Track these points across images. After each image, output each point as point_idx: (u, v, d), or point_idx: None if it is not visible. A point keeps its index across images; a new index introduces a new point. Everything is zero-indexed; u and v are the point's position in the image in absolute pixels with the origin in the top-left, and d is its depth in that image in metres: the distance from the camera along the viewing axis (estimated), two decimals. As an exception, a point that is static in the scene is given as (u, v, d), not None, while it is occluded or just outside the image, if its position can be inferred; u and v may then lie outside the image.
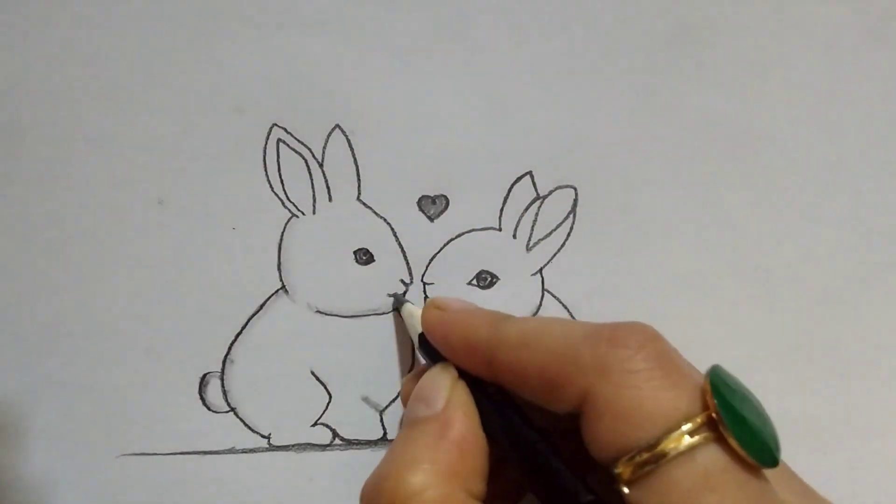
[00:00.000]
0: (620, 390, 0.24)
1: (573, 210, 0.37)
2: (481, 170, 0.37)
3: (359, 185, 0.37)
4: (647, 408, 0.24)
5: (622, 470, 0.23)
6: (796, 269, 0.38)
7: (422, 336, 0.32)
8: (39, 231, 0.36)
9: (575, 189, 0.37)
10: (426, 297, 0.37)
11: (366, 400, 0.37)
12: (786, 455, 0.38)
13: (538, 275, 0.37)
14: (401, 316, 0.36)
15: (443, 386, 0.29)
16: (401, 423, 0.30)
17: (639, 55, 0.37)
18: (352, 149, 0.37)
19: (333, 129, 0.36)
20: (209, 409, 0.37)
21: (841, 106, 0.38)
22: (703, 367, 0.37)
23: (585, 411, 0.25)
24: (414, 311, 0.34)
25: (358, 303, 0.37)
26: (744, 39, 0.37)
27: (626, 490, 0.23)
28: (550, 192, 0.37)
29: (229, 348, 0.37)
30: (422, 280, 0.37)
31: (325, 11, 0.36)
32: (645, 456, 0.23)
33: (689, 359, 0.37)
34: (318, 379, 0.37)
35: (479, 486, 0.27)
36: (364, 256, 0.37)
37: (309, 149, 0.36)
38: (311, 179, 0.36)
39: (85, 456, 0.37)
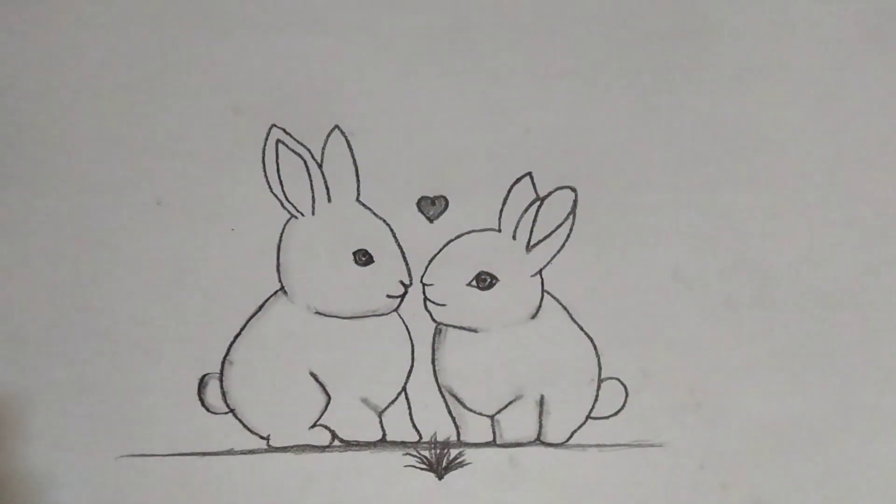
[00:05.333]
0: None
1: (573, 211, 0.37)
2: (481, 171, 0.37)
3: (358, 186, 0.37)
4: None
5: None
6: (796, 269, 0.38)
7: None
8: (39, 231, 0.36)
9: (574, 190, 0.37)
10: (426, 298, 0.37)
11: (365, 401, 0.37)
12: (786, 455, 0.38)
13: (538, 276, 0.37)
14: None
15: None
16: None
17: (639, 56, 0.37)
18: (351, 150, 0.37)
19: (333, 130, 0.36)
20: (208, 410, 0.37)
21: (841, 106, 0.38)
22: (701, 367, 0.37)
23: None
24: None
25: (357, 304, 0.37)
26: (744, 40, 0.37)
27: None
28: (550, 193, 0.37)
29: (228, 349, 0.37)
30: (421, 281, 0.37)
31: (324, 12, 0.36)
32: None
33: (688, 359, 0.37)
34: (317, 380, 0.37)
35: None
36: (363, 257, 0.37)
37: (308, 149, 0.36)
38: (311, 180, 0.36)
39: (84, 456, 0.37)
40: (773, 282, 0.37)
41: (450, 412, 0.37)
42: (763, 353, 0.37)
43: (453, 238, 0.37)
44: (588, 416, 0.37)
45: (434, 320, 0.37)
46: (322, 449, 0.37)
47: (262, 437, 0.37)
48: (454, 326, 0.37)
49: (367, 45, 0.37)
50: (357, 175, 0.37)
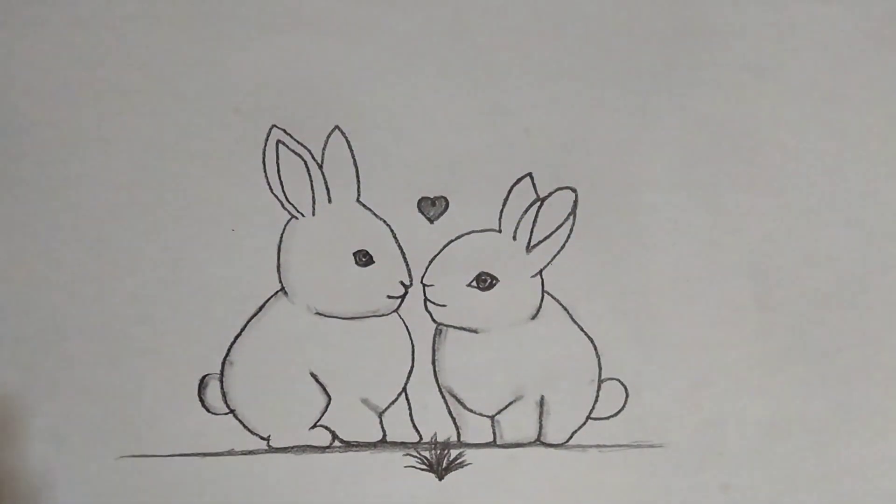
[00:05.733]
0: None
1: (573, 211, 0.37)
2: (481, 172, 0.37)
3: (358, 187, 0.37)
4: None
5: None
6: (796, 269, 0.38)
7: None
8: (40, 232, 0.36)
9: (574, 191, 0.37)
10: (426, 298, 0.37)
11: (365, 402, 0.37)
12: (786, 455, 0.38)
13: (538, 276, 0.37)
14: None
15: None
16: None
17: (639, 57, 0.37)
18: (351, 150, 0.37)
19: (333, 131, 0.36)
20: (208, 410, 0.37)
21: (841, 106, 0.38)
22: (701, 367, 0.37)
23: None
24: None
25: (357, 304, 0.37)
26: (744, 41, 0.37)
27: None
28: (550, 194, 0.37)
29: (228, 350, 0.37)
30: (421, 282, 0.37)
31: (325, 13, 0.36)
32: None
33: (688, 359, 0.38)
34: (317, 381, 0.37)
35: None
36: (364, 258, 0.37)
37: (308, 150, 0.36)
38: (311, 181, 0.36)
39: (85, 457, 0.37)
40: (773, 282, 0.37)
41: (450, 413, 0.37)
42: (763, 353, 0.37)
43: (453, 239, 0.37)
44: (588, 417, 0.37)
45: (434, 321, 0.37)
46: (322, 449, 0.37)
47: (262, 438, 0.37)
48: (454, 327, 0.37)
49: (367, 45, 0.37)
50: (357, 176, 0.37)
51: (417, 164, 0.37)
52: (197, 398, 0.37)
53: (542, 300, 0.37)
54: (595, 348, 0.37)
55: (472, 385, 0.37)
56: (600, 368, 0.37)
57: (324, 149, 0.36)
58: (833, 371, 0.38)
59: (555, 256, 0.37)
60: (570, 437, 0.37)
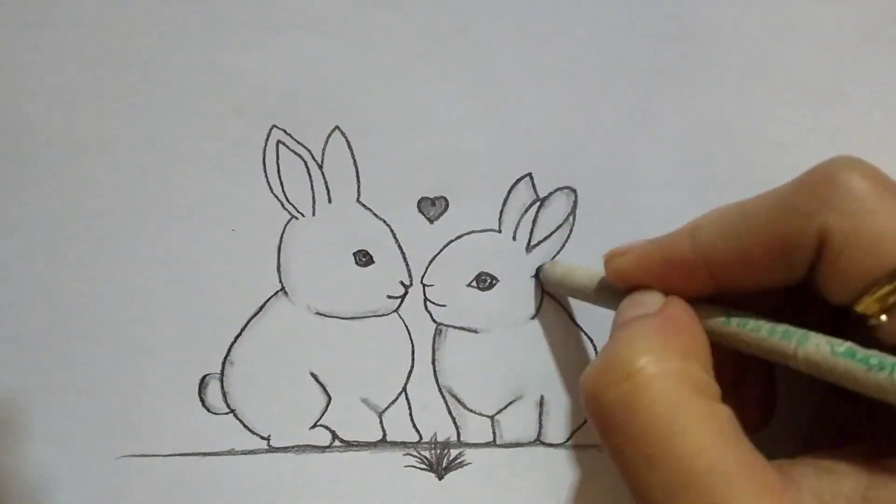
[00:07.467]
0: (858, 218, 0.24)
1: (573, 212, 0.37)
2: (481, 171, 0.37)
3: (358, 187, 0.37)
4: (891, 230, 0.23)
5: (868, 306, 0.23)
6: (796, 270, 0.38)
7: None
8: (39, 232, 0.36)
9: (575, 191, 0.37)
10: (426, 298, 0.37)
11: (365, 401, 0.37)
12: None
13: (538, 276, 0.37)
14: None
15: (656, 294, 0.29)
16: (616, 326, 0.29)
17: (639, 56, 0.37)
18: (351, 150, 0.37)
19: (333, 131, 0.36)
20: (209, 410, 0.37)
21: (841, 106, 0.38)
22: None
23: (824, 255, 0.24)
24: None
25: (357, 304, 0.37)
26: (744, 41, 0.37)
27: (883, 318, 0.23)
28: (550, 194, 0.37)
29: (229, 350, 0.37)
30: (421, 282, 0.37)
31: (324, 12, 0.36)
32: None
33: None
34: (317, 380, 0.37)
35: (712, 374, 0.26)
36: (364, 258, 0.37)
37: (308, 150, 0.36)
38: (311, 181, 0.36)
39: (84, 457, 0.37)
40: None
41: (450, 412, 0.37)
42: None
43: (453, 239, 0.37)
44: (588, 417, 0.37)
45: (434, 321, 0.37)
46: (322, 449, 0.37)
47: (262, 438, 0.37)
48: (454, 327, 0.37)
49: (367, 45, 0.37)
50: (357, 176, 0.37)
51: (417, 164, 0.37)
52: (197, 398, 0.37)
53: (541, 300, 0.37)
54: (595, 348, 0.37)
55: (472, 385, 0.37)
56: (600, 368, 0.37)
57: (324, 149, 0.36)
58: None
59: (555, 256, 0.37)
60: (570, 436, 0.37)
